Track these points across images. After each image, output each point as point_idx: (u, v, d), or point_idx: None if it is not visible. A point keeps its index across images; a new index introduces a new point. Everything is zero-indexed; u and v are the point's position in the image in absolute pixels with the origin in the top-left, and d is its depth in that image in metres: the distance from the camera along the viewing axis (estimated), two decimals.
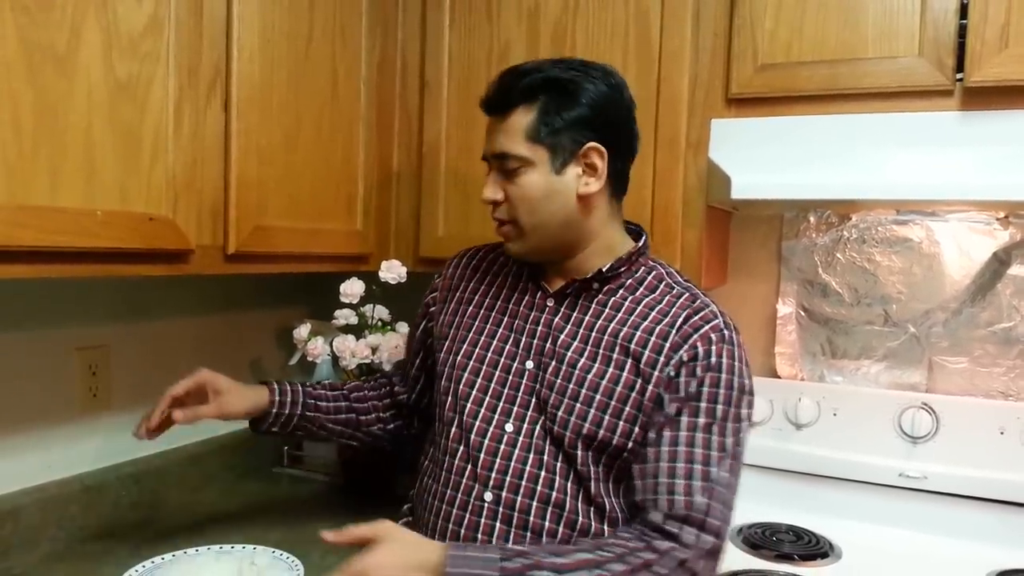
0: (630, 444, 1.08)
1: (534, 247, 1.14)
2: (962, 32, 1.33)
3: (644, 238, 1.20)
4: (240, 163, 1.31)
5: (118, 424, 1.56)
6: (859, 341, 1.76)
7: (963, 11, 1.33)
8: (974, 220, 1.66)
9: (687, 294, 1.14)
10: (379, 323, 1.73)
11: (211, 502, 1.63)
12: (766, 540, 1.57)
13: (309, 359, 1.76)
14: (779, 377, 1.83)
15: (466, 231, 1.64)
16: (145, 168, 1.15)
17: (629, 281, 1.16)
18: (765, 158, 1.44)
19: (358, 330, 1.72)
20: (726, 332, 1.10)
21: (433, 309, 1.32)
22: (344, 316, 1.69)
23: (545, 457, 1.10)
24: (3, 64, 0.94)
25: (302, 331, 1.72)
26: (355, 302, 1.69)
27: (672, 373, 1.07)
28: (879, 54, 1.40)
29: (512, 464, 1.11)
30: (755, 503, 1.70)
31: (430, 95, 1.70)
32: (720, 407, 1.06)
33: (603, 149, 1.11)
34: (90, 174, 1.06)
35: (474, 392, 1.16)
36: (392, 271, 1.63)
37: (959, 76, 1.35)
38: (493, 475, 1.11)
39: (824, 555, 1.52)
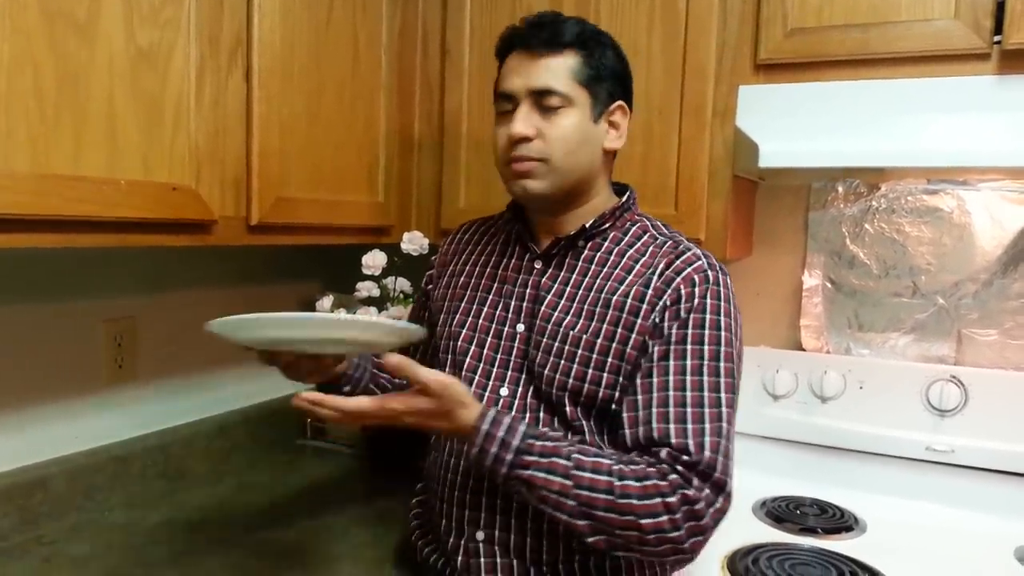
0: (616, 394, 1.07)
1: (556, 188, 1.12)
2: None
3: (629, 193, 1.21)
4: (262, 133, 1.30)
5: (144, 395, 1.57)
6: (887, 313, 1.74)
7: None
8: (1007, 189, 1.63)
9: (670, 242, 1.14)
10: (400, 295, 1.72)
11: (237, 473, 1.64)
12: (790, 513, 1.56)
13: None
14: (804, 350, 1.81)
15: (488, 202, 1.61)
16: (167, 137, 1.14)
17: (614, 234, 1.17)
18: (794, 126, 1.41)
19: (380, 302, 1.71)
20: (710, 273, 1.08)
21: (430, 286, 1.33)
22: (366, 288, 1.68)
23: (541, 416, 1.10)
24: (24, 32, 0.94)
25: (324, 303, 1.72)
26: (377, 274, 1.68)
27: (657, 319, 1.06)
28: (913, 17, 1.36)
29: None
30: (779, 476, 1.70)
31: (451, 64, 1.68)
32: (708, 347, 1.03)
33: (627, 108, 1.17)
34: (112, 143, 1.06)
35: (468, 360, 1.16)
36: (414, 242, 1.62)
37: (997, 39, 1.31)
38: None
39: (849, 528, 1.51)
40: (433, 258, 1.37)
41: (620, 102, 1.15)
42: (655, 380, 1.03)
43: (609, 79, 1.13)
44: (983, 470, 1.57)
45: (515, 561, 1.08)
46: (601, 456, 1.00)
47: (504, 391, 1.13)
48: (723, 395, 1.02)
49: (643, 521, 0.95)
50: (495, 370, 1.14)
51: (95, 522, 1.37)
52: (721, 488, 0.98)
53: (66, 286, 1.42)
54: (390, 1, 1.60)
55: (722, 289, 1.08)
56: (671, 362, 1.03)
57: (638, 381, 1.04)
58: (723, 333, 1.05)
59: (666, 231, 1.18)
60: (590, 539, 0.98)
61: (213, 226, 1.25)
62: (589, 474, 0.97)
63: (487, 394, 1.13)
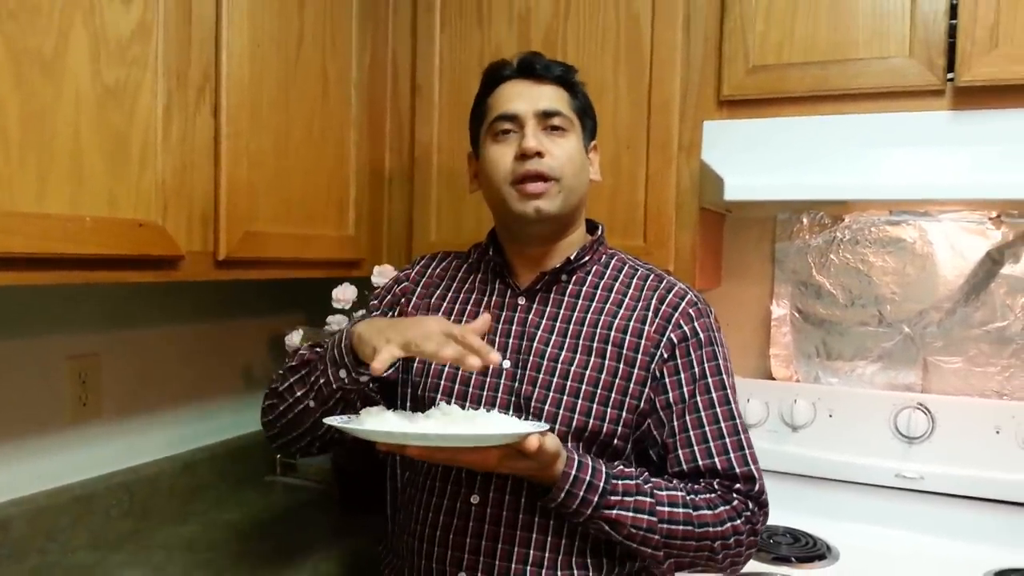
0: (619, 430, 1.09)
1: (565, 209, 1.14)
2: (952, 32, 1.34)
3: (600, 227, 1.24)
4: (230, 168, 1.30)
5: (108, 433, 1.54)
6: (854, 342, 1.76)
7: (953, 11, 1.34)
8: (967, 220, 1.67)
9: (652, 276, 1.19)
10: None
11: (203, 512, 1.61)
12: (763, 542, 1.56)
13: None
14: (774, 379, 1.82)
15: (459, 236, 1.63)
16: (134, 174, 1.13)
17: (595, 268, 1.19)
18: (757, 160, 1.44)
19: None
20: (701, 305, 1.16)
21: (398, 309, 1.26)
22: (337, 322, 1.67)
23: None
24: None
25: (294, 337, 1.71)
26: (347, 307, 1.67)
27: (666, 355, 1.11)
28: (870, 55, 1.40)
29: None
30: None
31: (421, 99, 1.70)
32: (722, 378, 1.12)
33: (597, 149, 1.23)
34: (78, 180, 1.05)
35: (452, 399, 1.14)
36: (384, 275, 1.61)
37: (950, 76, 1.36)
38: (479, 477, 1.09)
39: (821, 557, 1.52)
40: (393, 287, 1.29)
41: (594, 141, 1.22)
42: (690, 417, 1.10)
43: (590, 116, 1.20)
44: (952, 496, 1.59)
45: None
46: (672, 488, 1.06)
47: None
48: (738, 412, 1.13)
49: (716, 544, 1.05)
50: (481, 408, 1.12)
51: (58, 564, 1.33)
52: (765, 505, 1.11)
53: (29, 322, 1.40)
54: (359, 36, 1.61)
55: (713, 319, 1.17)
56: (699, 397, 1.10)
57: (674, 419, 1.10)
58: (727, 362, 1.15)
59: (640, 263, 1.21)
60: (664, 563, 1.07)
61: (180, 262, 1.24)
62: (668, 508, 1.03)
63: None
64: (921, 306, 1.70)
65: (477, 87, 1.20)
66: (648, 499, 1.03)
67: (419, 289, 1.26)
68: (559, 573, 1.07)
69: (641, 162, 1.53)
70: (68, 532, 1.41)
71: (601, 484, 1.01)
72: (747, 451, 1.11)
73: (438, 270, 1.29)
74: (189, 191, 1.23)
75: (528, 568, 1.06)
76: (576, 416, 1.09)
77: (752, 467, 1.10)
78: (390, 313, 1.26)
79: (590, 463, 1.02)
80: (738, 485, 1.08)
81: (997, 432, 1.58)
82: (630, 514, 1.02)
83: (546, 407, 1.09)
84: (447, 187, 1.69)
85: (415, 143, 1.71)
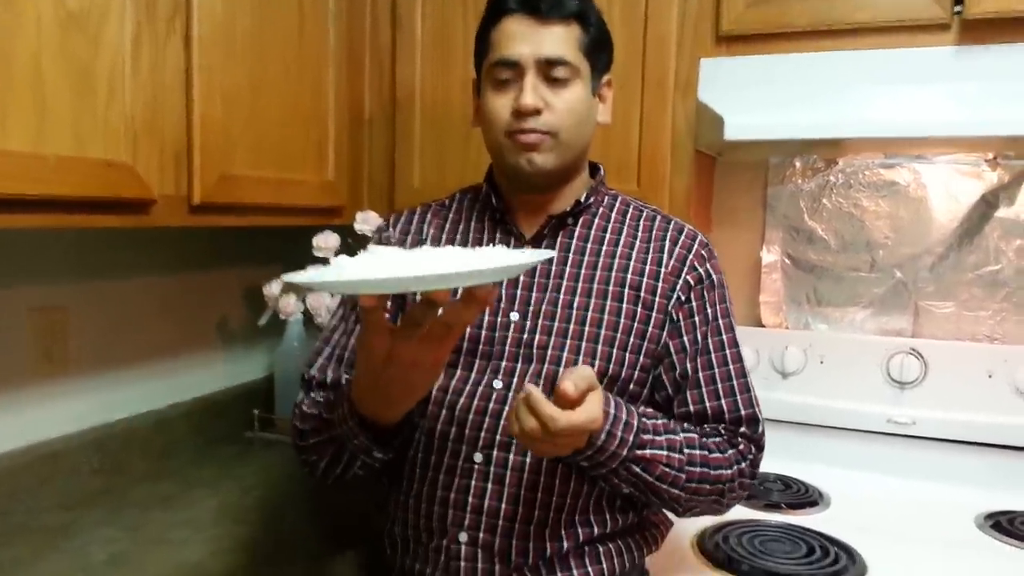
0: (635, 375, 1.06)
1: (561, 163, 1.07)
2: None
3: (601, 169, 1.18)
4: (203, 105, 1.21)
5: (77, 389, 1.47)
6: (845, 288, 1.74)
7: None
8: (962, 163, 1.64)
9: (659, 217, 1.15)
10: None
11: (178, 469, 1.55)
12: (755, 489, 1.55)
13: (281, 318, 1.69)
14: (764, 326, 1.80)
15: (443, 181, 1.55)
16: (101, 108, 1.05)
17: (600, 211, 1.14)
18: (757, 98, 1.39)
19: None
20: (709, 246, 1.13)
21: None
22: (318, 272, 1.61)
23: None
24: None
25: (273, 287, 1.64)
26: (330, 256, 1.61)
27: (683, 298, 1.08)
28: None
29: (502, 422, 1.04)
30: None
31: (402, 34, 1.61)
32: (730, 320, 1.11)
33: (611, 82, 1.14)
34: (41, 114, 0.96)
35: (456, 355, 1.08)
36: (369, 223, 1.55)
37: (957, 9, 1.31)
38: (482, 435, 1.04)
39: (813, 503, 1.52)
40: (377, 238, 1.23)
41: (609, 76, 1.12)
42: (701, 360, 1.08)
43: (605, 50, 1.10)
44: (944, 441, 1.59)
45: (498, 565, 1.03)
46: (687, 430, 1.04)
47: (497, 383, 1.06)
48: (744, 360, 1.12)
49: (725, 486, 1.04)
50: (480, 362, 1.07)
51: (24, 526, 1.26)
52: (763, 449, 1.10)
53: None
54: None
55: (717, 260, 1.13)
56: (711, 340, 1.08)
57: (687, 361, 1.07)
58: (731, 305, 1.13)
59: (645, 206, 1.16)
60: (680, 508, 1.05)
61: (152, 206, 1.16)
62: (687, 450, 1.01)
63: (479, 388, 1.06)
64: (914, 250, 1.68)
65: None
66: (676, 437, 1.01)
67: (408, 247, 1.18)
68: (563, 532, 1.04)
69: (635, 102, 1.47)
70: (35, 492, 1.34)
71: (635, 422, 0.96)
72: (752, 393, 1.10)
73: (423, 225, 1.19)
74: (160, 128, 1.15)
75: (532, 528, 1.03)
76: (596, 362, 1.04)
77: (756, 409, 1.09)
78: None
79: (612, 398, 0.96)
80: (743, 428, 1.07)
81: (989, 376, 1.57)
82: (664, 452, 0.98)
83: (564, 355, 1.05)
84: (431, 130, 1.62)
85: (396, 82, 1.62)
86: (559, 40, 1.03)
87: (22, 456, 1.34)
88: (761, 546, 1.32)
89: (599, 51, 1.08)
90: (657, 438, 0.98)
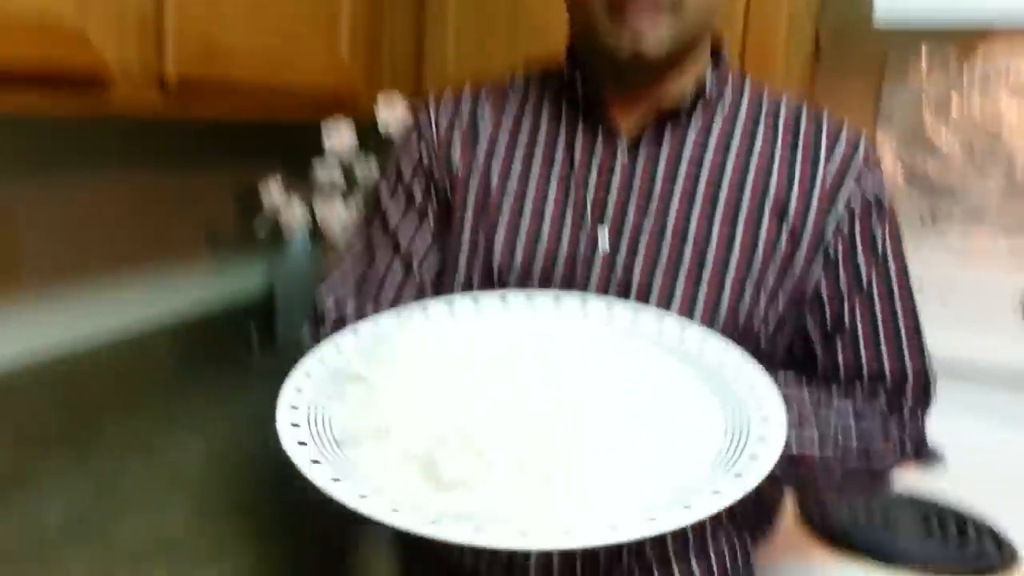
0: (771, 328, 0.82)
1: (681, 36, 0.78)
2: None
3: (724, 47, 0.88)
4: None
5: (31, 310, 1.24)
6: (972, 210, 1.50)
7: None
8: None
9: (804, 114, 0.86)
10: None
11: (162, 403, 1.35)
12: None
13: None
14: None
15: (485, 64, 1.27)
16: None
17: (725, 105, 0.85)
18: None
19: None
20: (872, 152, 0.86)
21: (425, 177, 0.90)
22: (328, 173, 1.33)
23: None
24: None
25: (272, 192, 1.38)
26: (342, 154, 1.33)
27: (844, 229, 0.82)
28: None
29: None
30: None
31: None
32: (903, 260, 0.86)
33: None
34: None
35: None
36: (395, 111, 1.26)
37: None
38: None
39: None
40: (413, 135, 0.93)
41: None
42: (861, 309, 0.84)
43: None
44: None
45: None
46: (843, 408, 0.83)
47: None
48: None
49: (883, 466, 0.86)
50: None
51: None
52: (931, 404, 0.88)
53: None
54: None
55: (882, 173, 0.87)
56: (875, 284, 0.84)
57: (845, 311, 0.84)
58: (903, 235, 0.87)
59: (785, 98, 0.87)
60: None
61: (111, 84, 0.90)
62: (843, 439, 0.81)
63: None
64: None
65: None
66: (830, 424, 0.80)
67: (458, 144, 0.89)
68: None
69: None
70: None
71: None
72: (926, 353, 0.86)
73: (476, 116, 0.90)
74: None
75: None
76: (722, 313, 0.79)
77: (927, 365, 0.86)
78: (422, 201, 0.90)
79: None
80: (908, 384, 0.85)
81: None
82: (816, 452, 0.78)
83: (674, 305, 0.79)
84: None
85: None
86: None
87: None
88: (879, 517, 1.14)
89: None
90: (805, 433, 0.76)
